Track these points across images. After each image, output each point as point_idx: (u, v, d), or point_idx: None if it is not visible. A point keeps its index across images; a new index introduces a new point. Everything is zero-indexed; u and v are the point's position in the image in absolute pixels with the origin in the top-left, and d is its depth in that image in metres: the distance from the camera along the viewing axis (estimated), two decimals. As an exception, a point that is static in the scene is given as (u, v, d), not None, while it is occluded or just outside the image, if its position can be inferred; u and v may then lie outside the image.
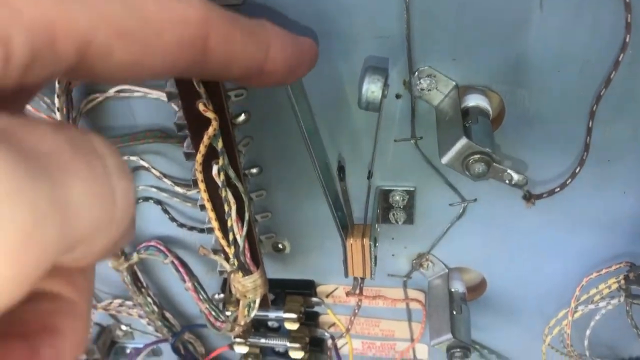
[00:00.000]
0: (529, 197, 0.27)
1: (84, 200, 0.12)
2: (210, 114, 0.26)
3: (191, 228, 0.37)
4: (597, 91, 0.27)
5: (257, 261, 0.33)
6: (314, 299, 0.41)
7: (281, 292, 0.41)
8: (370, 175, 0.30)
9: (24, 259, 0.10)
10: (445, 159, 0.26)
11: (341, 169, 0.30)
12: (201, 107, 0.26)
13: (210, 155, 0.27)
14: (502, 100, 0.29)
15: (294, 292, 0.41)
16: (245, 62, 0.18)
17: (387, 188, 0.34)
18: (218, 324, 0.37)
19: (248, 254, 0.32)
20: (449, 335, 0.35)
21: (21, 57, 0.12)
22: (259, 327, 0.43)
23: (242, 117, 0.29)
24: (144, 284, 0.41)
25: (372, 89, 0.25)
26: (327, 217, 0.32)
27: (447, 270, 0.38)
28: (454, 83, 0.28)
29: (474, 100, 0.28)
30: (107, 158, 0.13)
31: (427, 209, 0.35)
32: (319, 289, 0.42)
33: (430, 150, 0.31)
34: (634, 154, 0.30)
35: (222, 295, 0.40)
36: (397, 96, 0.29)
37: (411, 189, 0.34)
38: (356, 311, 0.39)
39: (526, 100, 0.28)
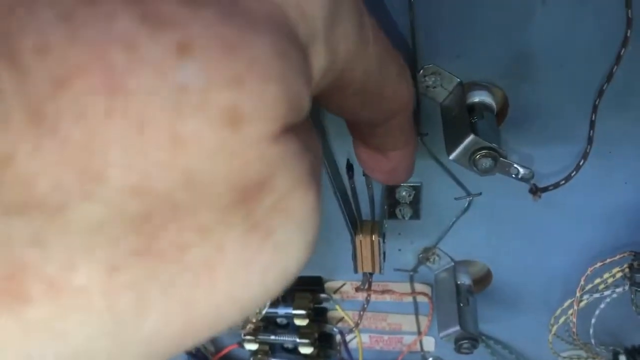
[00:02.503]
0: (535, 191, 0.28)
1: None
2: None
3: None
4: (599, 85, 0.27)
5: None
6: (323, 295, 0.42)
7: (290, 289, 0.41)
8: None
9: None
10: (452, 155, 0.27)
11: (350, 167, 0.31)
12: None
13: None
14: (505, 95, 0.29)
15: (302, 289, 0.42)
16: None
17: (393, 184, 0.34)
18: (229, 322, 0.37)
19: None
20: (457, 327, 0.36)
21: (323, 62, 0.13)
22: (268, 324, 0.44)
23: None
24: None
25: None
26: (333, 214, 0.33)
27: (453, 264, 0.39)
28: (458, 80, 0.29)
29: (478, 97, 0.29)
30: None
31: (433, 204, 0.35)
32: (327, 285, 0.42)
33: (436, 146, 0.32)
34: (633, 144, 0.30)
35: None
36: (402, 94, 0.30)
37: (417, 184, 0.34)
38: (365, 306, 0.39)
39: (529, 95, 0.29)
